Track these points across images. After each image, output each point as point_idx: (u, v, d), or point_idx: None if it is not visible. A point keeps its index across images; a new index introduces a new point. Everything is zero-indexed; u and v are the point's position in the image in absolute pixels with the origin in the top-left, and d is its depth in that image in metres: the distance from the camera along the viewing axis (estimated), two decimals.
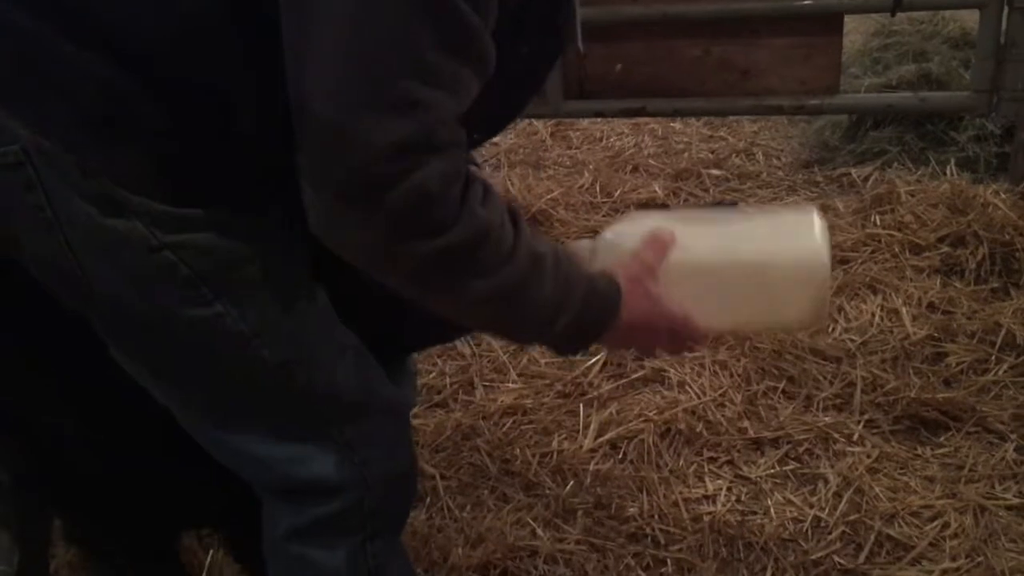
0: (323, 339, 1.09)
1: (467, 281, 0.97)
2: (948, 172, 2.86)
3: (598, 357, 2.19)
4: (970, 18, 3.13)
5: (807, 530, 1.73)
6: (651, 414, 2.01)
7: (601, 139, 3.85)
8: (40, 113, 0.91)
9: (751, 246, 1.18)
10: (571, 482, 1.87)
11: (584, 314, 1.06)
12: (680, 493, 1.83)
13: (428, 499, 1.86)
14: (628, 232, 1.17)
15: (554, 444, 1.98)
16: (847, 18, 2.72)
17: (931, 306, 2.32)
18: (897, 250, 2.52)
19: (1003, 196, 2.56)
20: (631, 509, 1.79)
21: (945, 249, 2.47)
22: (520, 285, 1.00)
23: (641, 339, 1.17)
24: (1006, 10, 2.49)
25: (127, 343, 1.04)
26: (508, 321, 1.05)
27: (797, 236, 1.19)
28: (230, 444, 1.10)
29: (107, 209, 0.92)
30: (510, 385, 2.18)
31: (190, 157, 0.95)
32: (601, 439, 1.97)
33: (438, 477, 1.91)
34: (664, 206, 2.97)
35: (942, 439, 1.94)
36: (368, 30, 0.83)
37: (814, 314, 1.22)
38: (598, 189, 3.15)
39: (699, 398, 2.05)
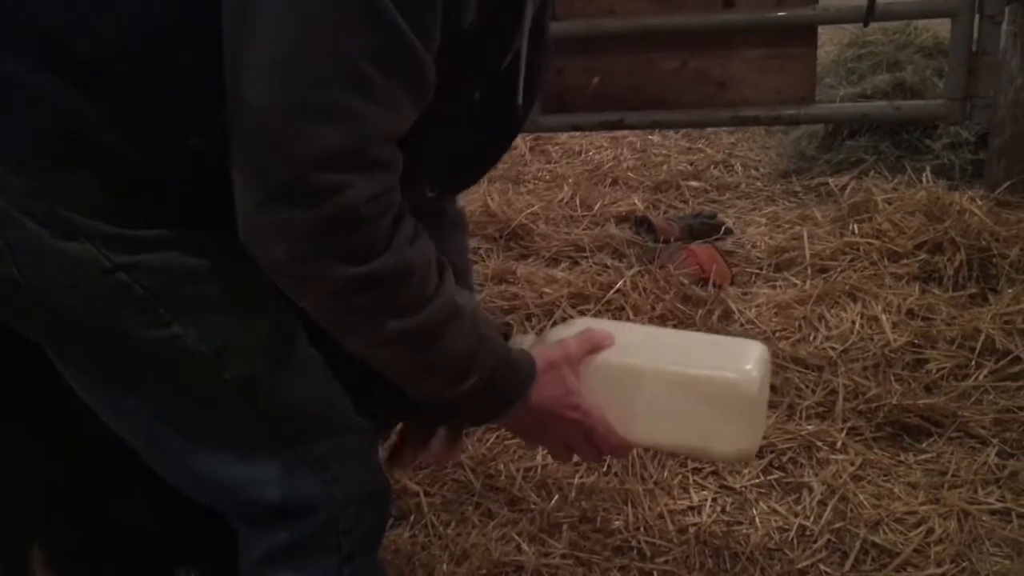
0: (286, 354, 1.06)
1: (381, 318, 0.96)
2: (924, 180, 2.89)
3: None
4: (942, 27, 3.17)
5: (792, 539, 1.73)
6: None
7: (580, 153, 3.86)
8: None
9: (685, 361, 1.14)
10: (556, 496, 1.86)
11: (493, 380, 1.04)
12: (665, 505, 1.82)
13: (412, 516, 1.84)
14: (571, 333, 1.15)
15: (538, 459, 1.97)
16: (821, 29, 2.75)
17: (910, 313, 2.33)
18: (876, 258, 2.53)
19: (979, 202, 2.58)
20: (616, 522, 1.79)
21: (923, 256, 2.49)
22: (433, 334, 0.99)
23: (552, 431, 1.15)
24: (977, 19, 2.52)
25: (86, 373, 1.01)
26: (415, 369, 1.03)
27: (735, 360, 1.15)
28: (196, 472, 1.06)
29: (58, 232, 0.90)
30: None
31: (141, 177, 0.93)
32: None
33: (422, 494, 1.89)
34: (645, 218, 2.98)
35: (924, 445, 1.95)
36: (302, 33, 0.82)
37: (741, 447, 1.16)
38: (578, 203, 3.16)
39: None
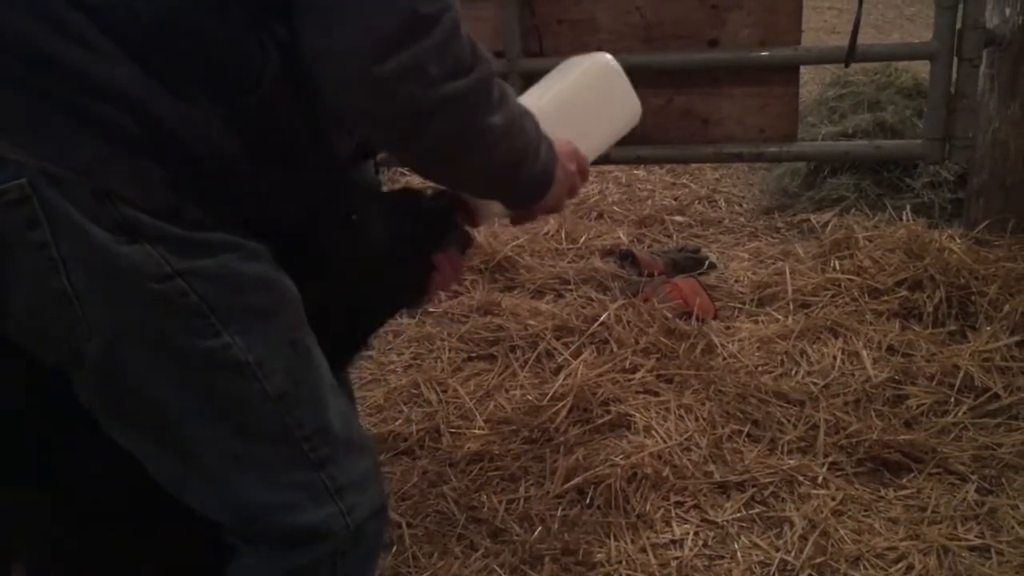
0: (315, 373, 1.09)
1: (487, 118, 1.05)
2: (904, 217, 2.93)
3: (564, 402, 2.19)
4: (922, 69, 3.23)
5: (774, 574, 1.73)
6: (617, 459, 2.01)
7: None
8: (53, 139, 0.88)
9: (558, 86, 1.45)
10: (538, 528, 1.86)
11: (549, 145, 1.19)
12: (647, 538, 1.82)
13: (394, 548, 1.84)
14: None
15: (521, 490, 1.98)
16: (803, 69, 2.80)
17: (891, 349, 2.35)
18: (857, 294, 2.56)
19: (958, 241, 2.62)
20: (598, 555, 1.79)
21: (903, 293, 2.52)
22: (518, 117, 1.12)
23: (565, 181, 1.28)
24: (955, 61, 2.58)
25: (117, 394, 1.00)
26: (519, 157, 1.14)
27: (581, 60, 1.50)
28: (223, 491, 1.06)
29: (122, 236, 0.91)
30: (476, 432, 2.17)
31: (208, 178, 0.95)
32: (568, 484, 1.96)
33: (404, 525, 1.89)
34: (629, 252, 3.00)
35: (904, 480, 1.96)
36: None
37: (635, 106, 1.53)
38: (563, 236, 3.19)
39: (665, 442, 2.06)
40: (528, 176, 1.17)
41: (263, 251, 1.03)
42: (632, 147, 2.76)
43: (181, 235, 0.94)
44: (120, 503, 1.15)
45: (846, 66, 2.74)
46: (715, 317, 2.61)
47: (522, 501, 1.95)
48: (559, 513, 1.90)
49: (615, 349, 2.40)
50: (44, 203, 0.88)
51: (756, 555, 1.78)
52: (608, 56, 1.52)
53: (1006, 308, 2.37)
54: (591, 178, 3.88)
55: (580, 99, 1.45)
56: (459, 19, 0.98)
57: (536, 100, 1.38)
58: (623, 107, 1.54)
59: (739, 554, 1.78)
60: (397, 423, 2.23)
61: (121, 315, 0.94)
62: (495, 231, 3.19)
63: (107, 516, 1.18)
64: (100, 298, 0.93)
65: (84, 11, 0.88)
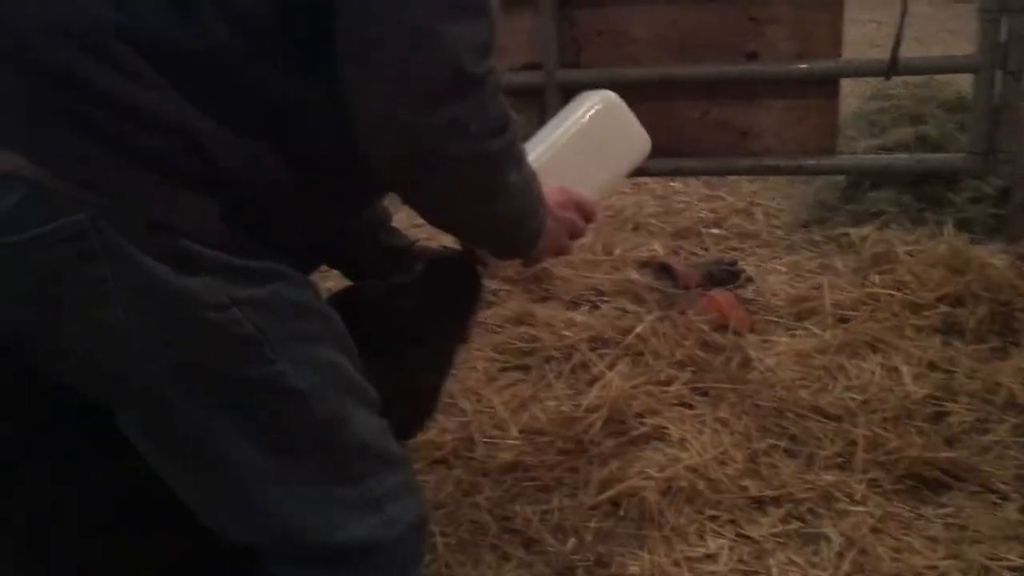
0: (358, 391, 1.10)
1: (509, 176, 1.08)
2: (946, 232, 2.89)
3: (599, 414, 2.19)
4: (965, 82, 3.19)
5: None
6: (652, 471, 2.00)
7: None
8: (107, 173, 0.88)
9: (564, 128, 1.50)
10: (572, 540, 1.85)
11: (542, 200, 1.22)
12: (682, 552, 1.81)
13: (428, 556, 1.84)
14: None
15: (555, 501, 1.97)
16: (843, 82, 2.77)
17: (931, 365, 2.32)
18: (897, 309, 2.53)
19: (1001, 256, 2.58)
20: (632, 568, 1.78)
21: (944, 308, 2.48)
22: (531, 175, 1.15)
23: (559, 228, 1.30)
24: (999, 74, 2.54)
25: (166, 423, 1.00)
26: (519, 215, 1.17)
27: (587, 99, 1.54)
28: (267, 514, 1.06)
29: (177, 268, 0.91)
30: (510, 442, 2.17)
31: (256, 207, 0.96)
32: (602, 496, 1.95)
33: (438, 534, 1.89)
34: (665, 264, 2.99)
35: (944, 499, 1.93)
36: None
37: (645, 138, 1.56)
38: (599, 247, 3.18)
39: (700, 456, 2.05)
40: (528, 231, 1.21)
41: (305, 279, 1.05)
42: (669, 160, 2.76)
43: (235, 264, 0.95)
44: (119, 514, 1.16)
45: (887, 79, 2.72)
46: (752, 331, 2.59)
47: (556, 512, 1.94)
48: (593, 525, 1.89)
49: (650, 361, 2.39)
50: (101, 238, 0.88)
51: (792, 572, 1.76)
52: (610, 93, 1.56)
53: None
54: (626, 190, 3.89)
55: (583, 141, 1.50)
56: (501, 81, 1.00)
57: (540, 146, 1.44)
58: (629, 142, 1.58)
59: (775, 570, 1.76)
60: (432, 432, 2.23)
61: (175, 346, 0.95)
62: None
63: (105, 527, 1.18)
64: (155, 330, 0.93)
65: (132, 43, 0.88)
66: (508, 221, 1.16)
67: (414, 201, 1.09)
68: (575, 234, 1.36)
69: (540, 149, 1.44)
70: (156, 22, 0.89)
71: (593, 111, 1.53)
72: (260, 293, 0.97)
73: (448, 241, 1.44)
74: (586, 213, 1.37)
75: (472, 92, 0.96)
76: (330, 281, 1.64)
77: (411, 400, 1.33)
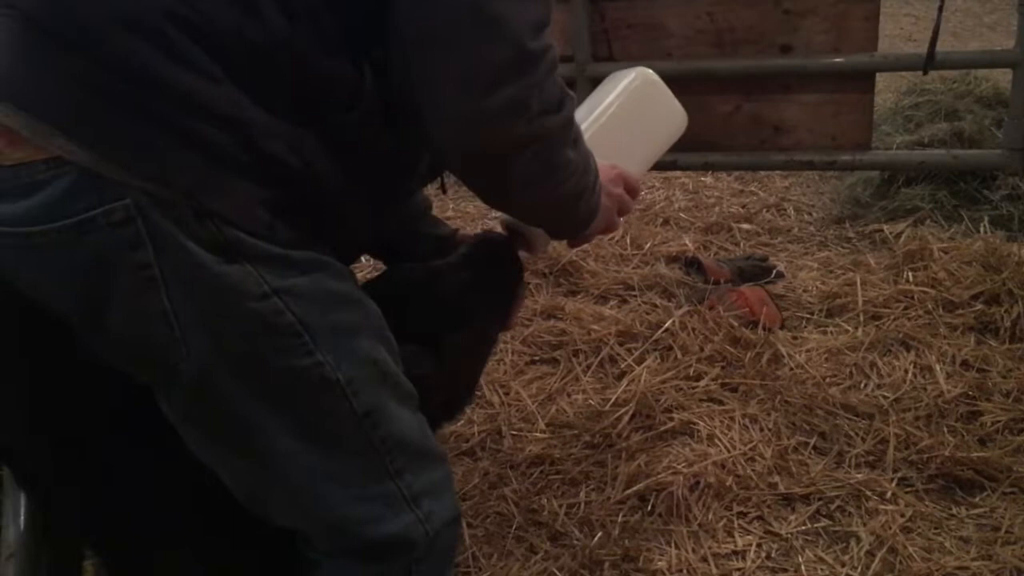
0: (396, 386, 1.10)
1: (567, 153, 1.09)
2: (981, 230, 2.84)
3: (627, 408, 2.18)
4: (1002, 77, 3.14)
5: None
6: (680, 467, 1.99)
7: None
8: (156, 160, 0.89)
9: (601, 106, 1.52)
10: (599, 533, 1.85)
11: (597, 174, 1.22)
12: (709, 548, 1.80)
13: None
14: None
15: (582, 495, 1.97)
16: (879, 76, 2.73)
17: (965, 364, 2.29)
18: (931, 307, 2.50)
19: None
20: (659, 563, 1.77)
21: (979, 307, 2.45)
22: (588, 152, 1.16)
23: (610, 206, 1.32)
24: None
25: (209, 410, 1.01)
26: (577, 192, 1.17)
27: (625, 76, 1.56)
28: (306, 505, 1.07)
29: (222, 256, 0.92)
30: (538, 435, 2.17)
31: (301, 196, 0.96)
32: (629, 491, 1.95)
33: (465, 526, 1.90)
34: (695, 259, 2.97)
35: (977, 499, 1.90)
36: None
37: (682, 114, 1.58)
38: (628, 241, 3.17)
39: (729, 452, 2.04)
40: (585, 208, 1.21)
41: (347, 269, 1.05)
42: (700, 154, 2.74)
43: (278, 254, 0.95)
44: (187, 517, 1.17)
45: (924, 73, 2.68)
46: (782, 327, 2.57)
47: (582, 506, 1.94)
48: (620, 519, 1.89)
49: (679, 356, 2.38)
50: (147, 224, 0.89)
51: (821, 569, 1.75)
52: (647, 70, 1.57)
53: None
54: (656, 184, 3.87)
55: (624, 118, 1.51)
56: (556, 57, 1.01)
57: (581, 124, 1.43)
58: (667, 118, 1.59)
59: (803, 567, 1.75)
60: (460, 424, 2.24)
61: (218, 334, 0.95)
62: None
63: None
64: (199, 317, 0.94)
65: (190, 32, 0.88)
66: (569, 198, 1.17)
67: (477, 184, 1.10)
68: (623, 210, 1.37)
69: (582, 127, 1.44)
70: (214, 11, 0.89)
71: (632, 88, 1.54)
72: (301, 283, 0.97)
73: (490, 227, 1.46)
74: (631, 189, 1.38)
75: (531, 70, 0.97)
76: (360, 272, 1.64)
77: (448, 386, 1.33)
